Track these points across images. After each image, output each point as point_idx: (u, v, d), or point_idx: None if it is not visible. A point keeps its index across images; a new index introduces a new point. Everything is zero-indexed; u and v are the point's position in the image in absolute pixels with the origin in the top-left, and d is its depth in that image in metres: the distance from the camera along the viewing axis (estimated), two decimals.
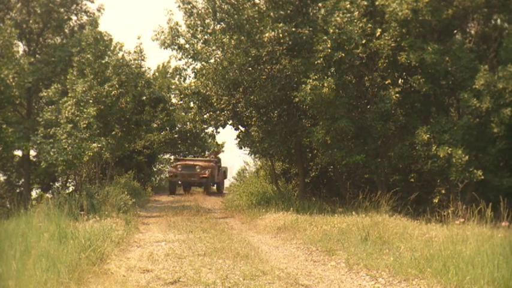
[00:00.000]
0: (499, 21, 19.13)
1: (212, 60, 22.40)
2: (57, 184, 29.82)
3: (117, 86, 21.96)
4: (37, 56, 27.83)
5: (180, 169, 29.56)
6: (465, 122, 17.47)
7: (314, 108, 18.82)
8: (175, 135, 36.80)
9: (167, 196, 28.63)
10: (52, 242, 8.15)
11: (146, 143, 34.15)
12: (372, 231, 11.92)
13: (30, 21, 27.70)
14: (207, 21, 21.97)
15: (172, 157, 38.25)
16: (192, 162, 30.58)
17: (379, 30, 18.79)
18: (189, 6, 22.05)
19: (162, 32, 22.70)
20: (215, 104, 22.87)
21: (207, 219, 17.75)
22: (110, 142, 23.12)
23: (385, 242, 11.08)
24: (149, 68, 26.94)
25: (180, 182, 30.86)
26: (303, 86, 18.02)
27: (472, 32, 19.34)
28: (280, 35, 18.81)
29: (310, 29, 19.00)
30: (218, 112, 23.18)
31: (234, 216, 19.88)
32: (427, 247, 9.42)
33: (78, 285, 6.93)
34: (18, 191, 30.04)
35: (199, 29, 22.31)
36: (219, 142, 40.32)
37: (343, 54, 18.05)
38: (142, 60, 24.21)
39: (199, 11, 21.94)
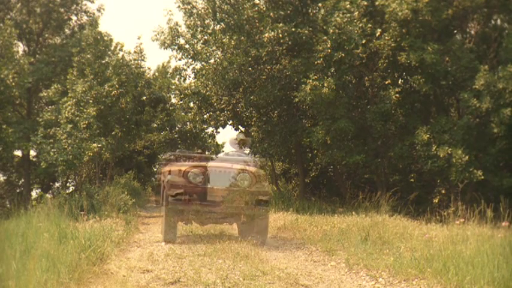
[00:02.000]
0: (499, 21, 19.15)
1: (212, 61, 22.43)
2: (57, 184, 29.81)
3: (117, 86, 21.95)
4: (37, 56, 27.82)
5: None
6: (465, 122, 17.47)
7: (314, 109, 18.83)
8: (175, 136, 36.80)
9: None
10: (52, 242, 8.14)
11: (146, 143, 34.16)
12: (372, 231, 11.91)
13: (30, 21, 27.69)
14: (206, 21, 21.99)
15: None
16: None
17: (379, 30, 18.81)
18: (189, 7, 22.08)
19: (162, 32, 22.74)
20: (215, 104, 22.88)
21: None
22: (110, 142, 23.12)
23: (385, 242, 11.06)
24: (149, 68, 26.93)
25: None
26: (303, 86, 18.02)
27: (472, 32, 19.37)
28: (280, 35, 18.82)
29: (310, 29, 19.01)
30: (218, 112, 23.19)
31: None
32: (427, 247, 9.41)
33: (78, 285, 6.93)
34: (18, 191, 30.03)
35: (199, 29, 22.33)
36: (219, 142, 40.29)
37: (343, 55, 18.06)
38: (142, 60, 24.21)
39: (199, 11, 21.96)
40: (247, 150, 14.32)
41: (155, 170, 39.17)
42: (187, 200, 11.19)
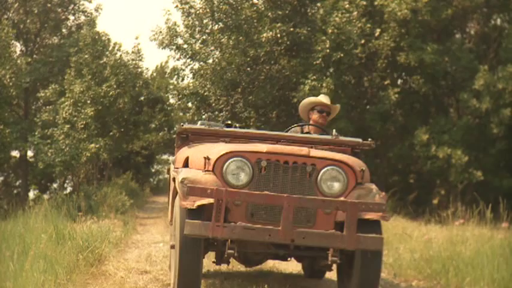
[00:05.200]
0: (498, 21, 19.18)
1: (210, 61, 22.35)
2: (54, 185, 29.76)
3: (114, 86, 21.90)
4: (34, 56, 27.78)
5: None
6: (465, 123, 17.47)
7: None
8: (174, 136, 36.73)
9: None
10: (50, 243, 8.07)
11: (144, 144, 34.10)
12: None
13: (28, 21, 27.66)
14: (205, 21, 21.93)
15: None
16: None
17: (378, 30, 18.79)
18: (187, 6, 22.01)
19: (160, 32, 22.65)
20: (213, 104, 22.82)
21: None
22: (107, 143, 23.05)
23: (385, 243, 10.99)
24: (147, 68, 26.91)
25: None
26: (302, 86, 18.00)
27: (472, 32, 19.39)
28: (279, 35, 18.81)
29: (309, 29, 19.00)
30: (217, 112, 23.13)
31: None
32: (427, 248, 9.36)
33: (76, 286, 6.87)
34: (15, 192, 29.99)
35: (197, 29, 22.28)
36: None
37: (342, 55, 18.03)
38: (140, 60, 24.18)
39: (197, 11, 21.90)
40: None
41: (153, 170, 39.13)
42: (221, 220, 5.15)
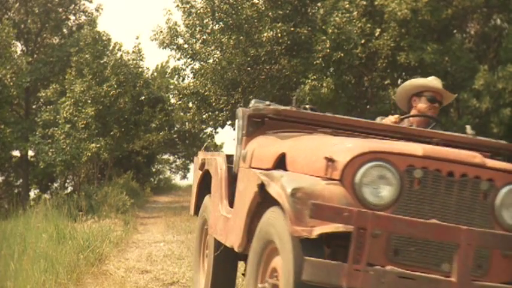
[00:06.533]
0: (498, 21, 19.13)
1: (211, 60, 22.33)
2: (55, 184, 29.80)
3: (115, 86, 21.93)
4: (35, 55, 27.84)
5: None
6: (465, 122, 17.43)
7: None
8: (174, 136, 36.76)
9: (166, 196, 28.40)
10: (50, 243, 8.10)
11: (145, 143, 34.14)
12: None
13: (28, 21, 27.71)
14: (205, 21, 21.91)
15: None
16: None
17: (378, 30, 18.76)
18: (188, 6, 22.01)
19: (161, 31, 22.65)
20: (214, 104, 22.80)
21: None
22: (108, 142, 23.09)
23: None
24: (148, 68, 26.94)
25: None
26: (302, 86, 18.00)
27: (472, 32, 19.35)
28: (279, 35, 18.81)
29: (309, 28, 18.99)
30: (217, 112, 23.12)
31: None
32: None
33: (77, 286, 6.89)
34: (16, 191, 30.00)
35: (197, 28, 22.27)
36: (218, 143, 40.22)
37: (342, 54, 18.02)
38: (141, 60, 24.20)
39: (198, 11, 21.90)
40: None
41: (153, 170, 39.11)
42: (363, 262, 2.98)
